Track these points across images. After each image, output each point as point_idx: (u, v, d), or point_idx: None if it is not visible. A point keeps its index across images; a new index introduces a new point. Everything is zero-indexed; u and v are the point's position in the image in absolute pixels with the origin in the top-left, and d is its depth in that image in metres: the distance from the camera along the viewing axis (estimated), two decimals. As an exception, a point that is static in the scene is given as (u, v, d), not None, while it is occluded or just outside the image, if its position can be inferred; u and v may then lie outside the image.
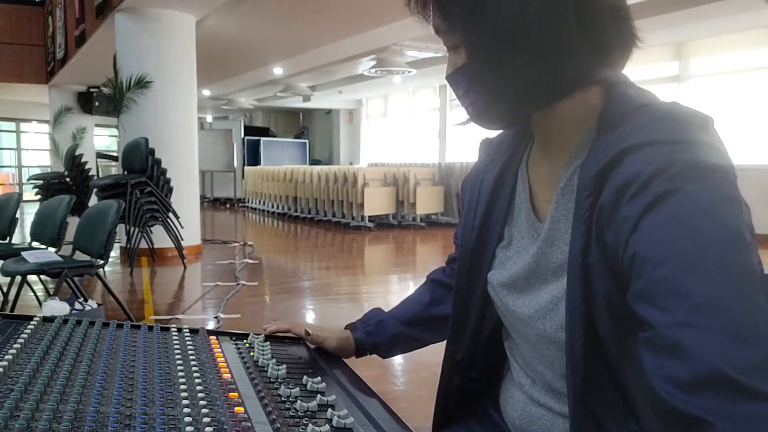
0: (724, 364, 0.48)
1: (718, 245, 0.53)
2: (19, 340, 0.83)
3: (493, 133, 0.90)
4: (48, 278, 4.19)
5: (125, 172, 5.93)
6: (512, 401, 0.84)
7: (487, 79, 0.68)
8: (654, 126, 0.62)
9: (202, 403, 0.69)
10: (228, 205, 14.77)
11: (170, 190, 6.03)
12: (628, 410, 0.68)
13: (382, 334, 1.02)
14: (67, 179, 8.48)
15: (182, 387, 0.74)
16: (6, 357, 0.77)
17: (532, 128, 0.78)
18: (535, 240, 0.76)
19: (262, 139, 16.06)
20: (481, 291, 0.84)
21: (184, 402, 0.70)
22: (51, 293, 3.47)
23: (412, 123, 13.98)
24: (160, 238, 6.16)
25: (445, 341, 0.93)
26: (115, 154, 8.23)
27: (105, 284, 3.58)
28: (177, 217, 6.00)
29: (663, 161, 0.57)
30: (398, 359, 3.14)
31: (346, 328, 1.05)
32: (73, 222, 3.63)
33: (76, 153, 8.41)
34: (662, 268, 0.54)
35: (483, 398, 0.95)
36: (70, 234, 3.64)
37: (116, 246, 6.08)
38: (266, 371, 0.84)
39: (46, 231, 3.72)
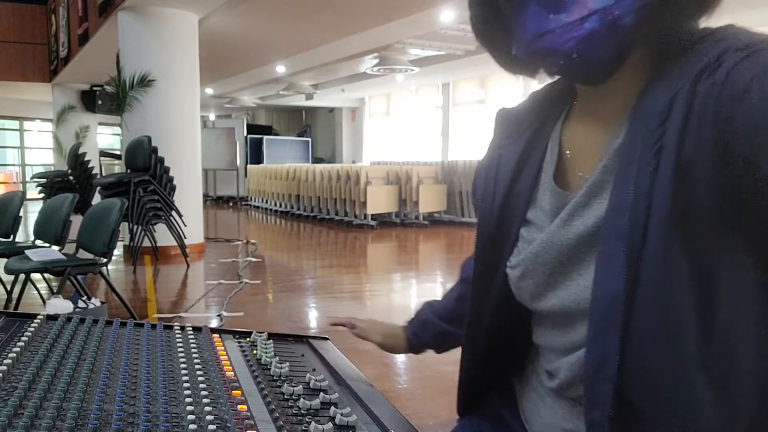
0: None
1: None
2: (23, 338, 0.84)
3: (511, 104, 0.81)
4: (51, 276, 4.21)
5: (128, 171, 5.93)
6: (534, 394, 0.78)
7: None
8: (737, 35, 0.59)
9: (205, 401, 0.69)
10: (231, 204, 14.78)
11: (173, 188, 6.05)
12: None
13: (426, 334, 1.04)
14: (71, 177, 8.51)
15: (185, 385, 0.74)
16: (10, 355, 0.77)
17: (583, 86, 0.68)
18: (558, 213, 0.68)
19: (265, 137, 16.07)
20: (502, 277, 0.75)
21: (187, 400, 0.70)
22: (54, 291, 3.47)
23: (414, 121, 13.97)
24: (163, 236, 6.18)
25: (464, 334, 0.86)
26: (118, 152, 8.22)
27: (108, 282, 3.58)
28: (180, 216, 6.01)
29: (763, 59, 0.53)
30: (401, 357, 3.14)
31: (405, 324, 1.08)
32: (77, 220, 3.64)
33: (80, 151, 8.44)
34: None
35: (495, 394, 0.87)
36: (73, 232, 3.65)
37: (119, 244, 6.10)
38: (269, 369, 0.84)
39: (50, 229, 3.73)
